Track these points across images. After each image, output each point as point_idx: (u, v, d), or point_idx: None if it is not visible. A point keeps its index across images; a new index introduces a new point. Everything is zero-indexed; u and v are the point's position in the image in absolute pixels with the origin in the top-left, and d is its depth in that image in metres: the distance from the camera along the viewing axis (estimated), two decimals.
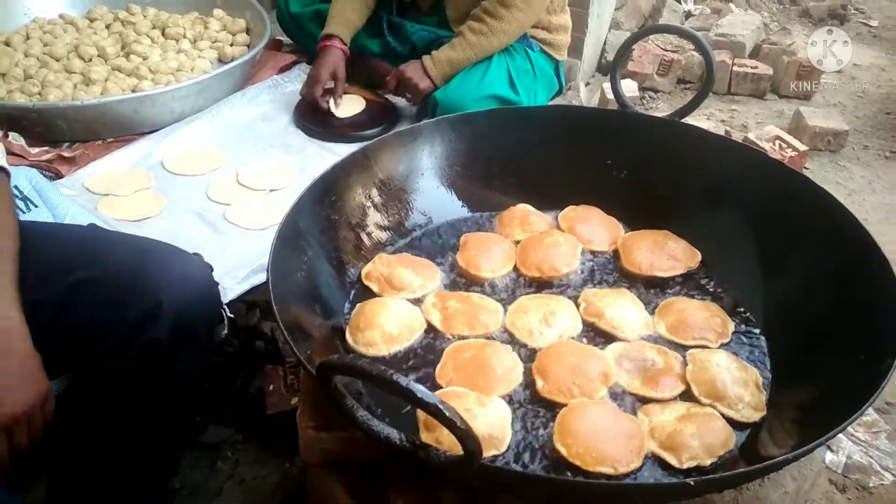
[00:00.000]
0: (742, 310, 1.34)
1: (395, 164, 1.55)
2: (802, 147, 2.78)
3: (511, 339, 1.27)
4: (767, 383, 1.20)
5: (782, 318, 1.29)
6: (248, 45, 2.56)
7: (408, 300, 1.34)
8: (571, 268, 1.42)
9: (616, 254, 1.46)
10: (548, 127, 1.62)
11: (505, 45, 2.16)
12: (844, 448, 1.72)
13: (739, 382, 1.15)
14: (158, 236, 1.61)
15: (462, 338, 1.27)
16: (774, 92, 3.51)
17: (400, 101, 2.36)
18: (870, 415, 1.80)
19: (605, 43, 3.50)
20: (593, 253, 1.47)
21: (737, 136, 2.91)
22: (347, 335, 1.26)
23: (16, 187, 1.76)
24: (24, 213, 1.72)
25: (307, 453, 1.17)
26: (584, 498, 1.01)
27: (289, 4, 2.51)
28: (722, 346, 1.25)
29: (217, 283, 1.40)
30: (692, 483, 0.89)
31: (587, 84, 3.35)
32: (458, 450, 0.82)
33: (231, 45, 2.56)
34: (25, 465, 1.23)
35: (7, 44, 2.37)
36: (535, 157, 1.61)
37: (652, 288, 1.39)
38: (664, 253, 1.42)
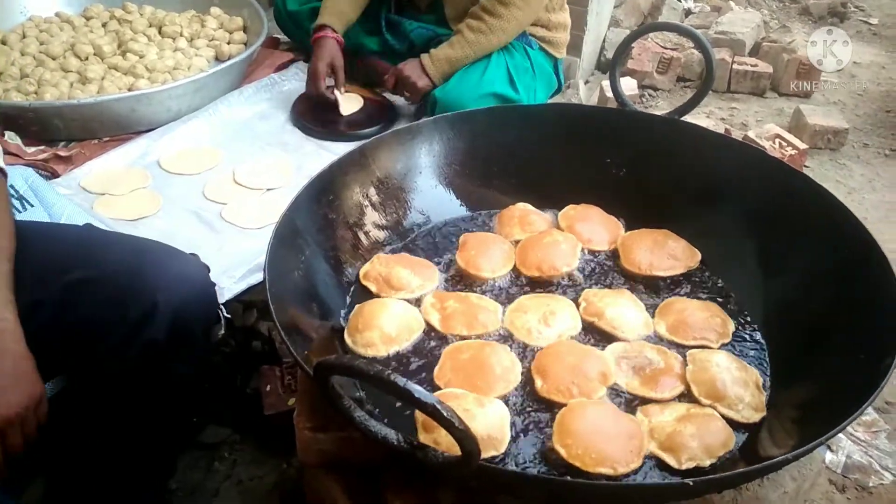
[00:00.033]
0: (742, 309, 1.34)
1: (393, 163, 1.54)
2: (802, 145, 2.77)
3: (510, 339, 1.27)
4: (767, 383, 1.19)
5: (782, 317, 1.28)
6: (246, 44, 2.55)
7: (406, 300, 1.33)
8: (571, 267, 1.41)
9: (616, 253, 1.46)
10: (547, 125, 1.61)
11: (504, 43, 2.15)
12: (844, 448, 1.72)
13: (739, 383, 1.14)
14: (155, 235, 1.61)
15: (461, 338, 1.26)
16: (774, 90, 3.50)
17: (398, 100, 2.35)
18: (869, 414, 1.80)
19: (604, 41, 3.50)
20: (593, 252, 1.47)
21: (736, 135, 2.90)
22: (346, 336, 1.26)
23: (12, 187, 1.75)
24: (20, 212, 1.71)
25: (304, 454, 1.17)
26: (584, 498, 1.01)
27: (286, 2, 2.50)
28: (722, 346, 1.25)
29: (214, 284, 1.39)
30: (691, 483, 0.89)
31: (586, 82, 3.34)
32: (456, 450, 0.81)
33: (228, 43, 2.55)
34: (20, 466, 1.22)
35: (3, 42, 2.37)
36: (534, 155, 1.60)
37: (651, 287, 1.39)
38: (664, 252, 1.42)
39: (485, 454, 1.02)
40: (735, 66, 3.45)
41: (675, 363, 1.19)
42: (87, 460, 1.40)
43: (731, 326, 1.29)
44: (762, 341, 1.28)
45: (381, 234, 1.49)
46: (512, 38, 2.16)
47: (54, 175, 1.98)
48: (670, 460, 1.04)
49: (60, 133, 2.08)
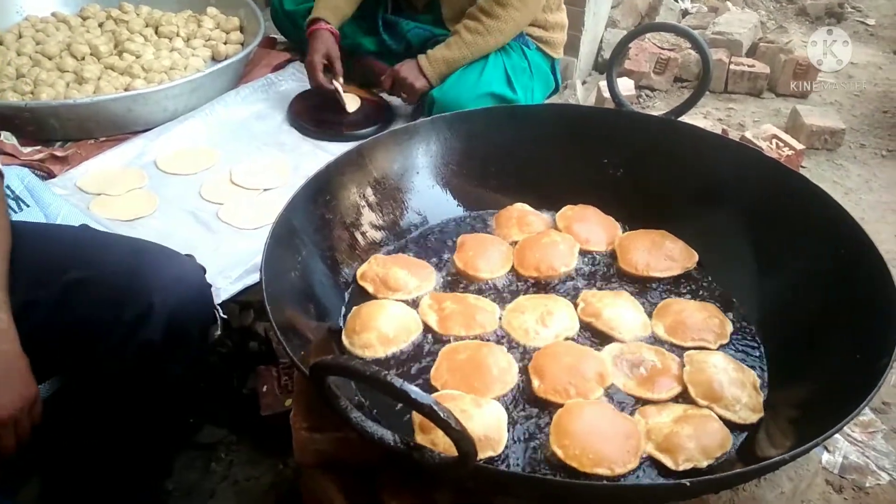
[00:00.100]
0: (739, 310, 1.34)
1: (390, 163, 1.54)
2: (799, 146, 2.78)
3: (507, 339, 1.27)
4: (764, 384, 1.19)
5: (779, 317, 1.28)
6: (242, 44, 2.55)
7: (404, 301, 1.33)
8: (569, 268, 1.41)
9: (613, 254, 1.46)
10: (544, 125, 1.61)
11: (501, 44, 2.15)
12: (841, 448, 1.72)
13: (737, 384, 1.14)
14: (151, 236, 1.61)
15: (459, 338, 1.26)
16: (771, 90, 3.51)
17: (395, 100, 2.35)
18: (866, 415, 1.80)
19: (601, 41, 3.50)
20: (590, 253, 1.47)
21: (733, 135, 2.90)
22: (343, 337, 1.26)
23: (8, 187, 1.75)
24: (16, 213, 1.71)
25: (301, 454, 1.16)
26: (581, 499, 1.00)
27: (283, 2, 2.49)
28: (721, 347, 1.25)
29: (210, 285, 1.39)
30: (688, 484, 0.89)
31: (584, 82, 3.35)
32: (453, 451, 0.81)
33: (225, 43, 2.54)
34: (14, 466, 1.22)
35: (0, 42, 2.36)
36: (531, 155, 1.60)
37: (649, 288, 1.39)
38: (661, 253, 1.42)
39: (482, 455, 1.01)
40: (732, 67, 3.45)
41: (673, 364, 1.19)
42: (83, 460, 1.40)
43: (729, 327, 1.29)
44: (759, 342, 1.27)
45: (378, 235, 1.49)
46: (509, 40, 2.16)
47: (50, 175, 1.97)
48: (667, 461, 1.04)
49: (57, 133, 2.07)
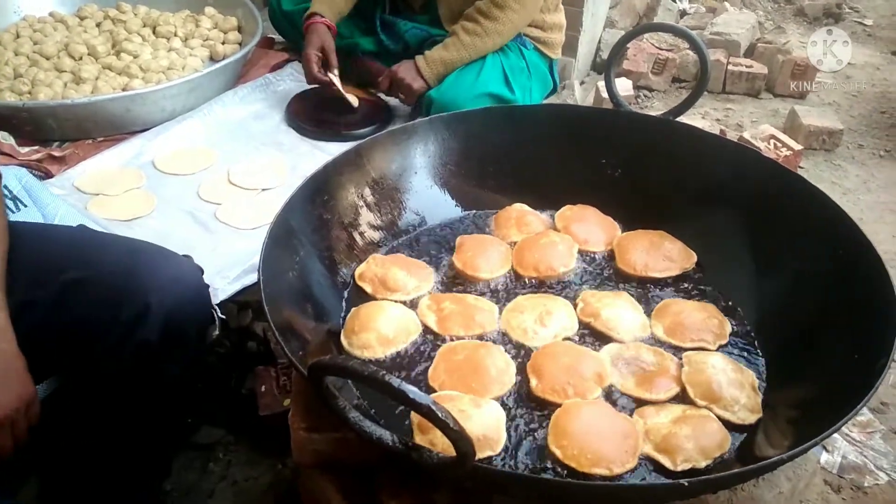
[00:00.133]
0: (737, 310, 1.34)
1: (388, 163, 1.54)
2: (797, 146, 2.78)
3: (506, 339, 1.26)
4: (763, 384, 1.19)
5: (777, 318, 1.28)
6: (240, 44, 2.55)
7: (402, 302, 1.33)
8: (568, 268, 1.41)
9: (612, 254, 1.46)
10: (541, 126, 1.61)
11: (499, 45, 2.15)
12: (839, 448, 1.72)
13: (735, 384, 1.14)
14: (149, 236, 1.60)
15: (458, 339, 1.26)
16: (769, 91, 3.51)
17: (393, 100, 2.35)
18: (864, 415, 1.80)
19: (599, 41, 3.50)
20: (589, 253, 1.47)
21: (732, 136, 2.90)
22: (342, 338, 1.26)
23: (5, 187, 1.74)
24: (13, 212, 1.70)
25: (299, 454, 1.16)
26: (580, 499, 1.00)
27: (281, 2, 2.49)
28: (720, 347, 1.25)
29: (207, 286, 1.39)
30: (686, 484, 0.89)
31: (582, 83, 3.35)
32: (451, 451, 0.81)
33: (223, 43, 2.54)
34: (12, 467, 1.22)
35: None
36: (530, 155, 1.60)
37: (648, 288, 1.39)
38: (660, 254, 1.42)
39: (481, 454, 1.01)
40: (730, 67, 3.46)
41: (671, 365, 1.19)
42: (81, 461, 1.40)
43: (728, 328, 1.29)
44: (758, 342, 1.27)
45: (376, 235, 1.49)
46: (507, 41, 2.16)
47: (48, 175, 1.97)
48: (666, 462, 1.04)
49: (54, 133, 2.07)
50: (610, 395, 1.16)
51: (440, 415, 0.77)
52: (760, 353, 1.25)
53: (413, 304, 1.34)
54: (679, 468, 1.03)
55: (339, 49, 2.30)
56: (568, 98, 3.08)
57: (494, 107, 1.97)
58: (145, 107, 2.11)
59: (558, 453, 1.03)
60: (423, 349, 1.25)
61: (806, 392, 1.13)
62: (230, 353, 1.78)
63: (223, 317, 1.55)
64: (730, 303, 1.36)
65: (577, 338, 1.27)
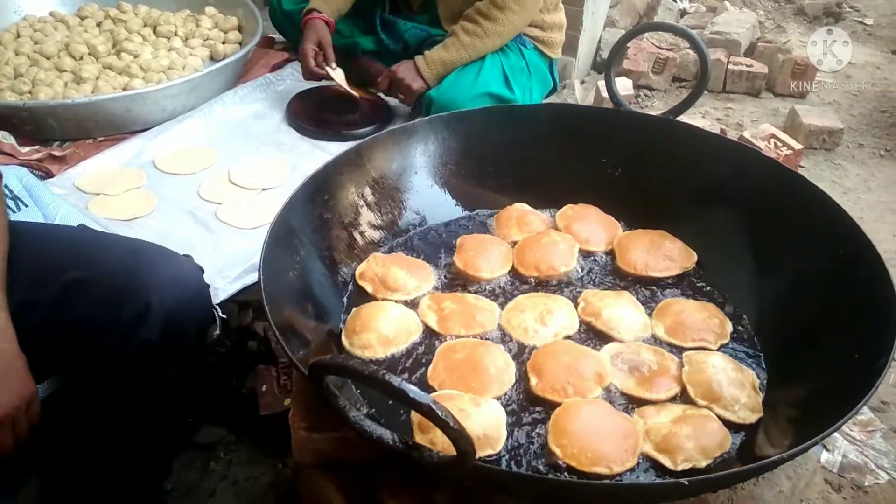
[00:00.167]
0: (738, 310, 1.34)
1: (389, 163, 1.54)
2: (797, 145, 2.78)
3: (506, 338, 1.27)
4: (763, 383, 1.19)
5: (778, 317, 1.28)
6: (241, 43, 2.55)
7: (403, 302, 1.33)
8: (569, 267, 1.41)
9: (613, 253, 1.46)
10: (541, 125, 1.61)
11: (499, 46, 2.15)
12: (840, 447, 1.72)
13: (736, 384, 1.14)
14: (149, 235, 1.61)
15: (460, 338, 1.26)
16: (769, 90, 3.51)
17: (393, 100, 2.35)
18: (865, 414, 1.80)
19: (599, 41, 3.50)
20: (590, 252, 1.47)
21: (732, 135, 2.90)
22: (343, 338, 1.26)
23: (6, 187, 1.74)
24: (14, 212, 1.71)
25: (300, 454, 1.17)
26: (580, 498, 1.00)
27: (281, 2, 2.49)
28: (721, 347, 1.25)
29: (208, 285, 1.39)
30: (686, 483, 0.89)
31: (582, 82, 3.35)
32: (451, 451, 0.81)
33: (223, 42, 2.54)
34: (13, 466, 1.22)
35: None
36: (530, 155, 1.60)
37: (648, 288, 1.39)
38: (660, 253, 1.42)
39: (481, 453, 1.01)
40: (730, 67, 3.46)
41: (672, 364, 1.19)
42: (82, 460, 1.40)
43: (729, 327, 1.29)
44: (758, 342, 1.27)
45: (376, 235, 1.49)
46: (507, 41, 2.16)
47: (49, 175, 1.97)
48: (666, 462, 1.04)
49: (55, 133, 2.07)
50: (610, 395, 1.16)
51: (440, 414, 0.77)
52: (761, 353, 1.25)
53: (413, 304, 1.34)
54: (679, 468, 1.03)
55: (339, 48, 2.31)
56: (568, 97, 3.08)
57: (494, 106, 1.97)
58: (146, 106, 2.11)
59: (558, 452, 1.03)
60: (424, 349, 1.25)
61: (806, 391, 1.13)
62: (231, 353, 1.78)
63: (224, 316, 1.55)
64: (730, 302, 1.36)
65: (577, 337, 1.27)
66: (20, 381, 1.12)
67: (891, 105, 3.44)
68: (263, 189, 2.00)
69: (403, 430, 1.04)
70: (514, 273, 1.42)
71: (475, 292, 1.37)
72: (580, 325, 1.29)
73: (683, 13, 4.04)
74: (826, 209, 1.29)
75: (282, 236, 1.24)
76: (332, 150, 2.00)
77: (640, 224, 1.50)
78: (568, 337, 1.26)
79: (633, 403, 1.15)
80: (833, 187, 2.83)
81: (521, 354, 1.23)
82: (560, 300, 1.33)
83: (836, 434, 1.67)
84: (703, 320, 1.27)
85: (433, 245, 1.50)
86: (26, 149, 2.01)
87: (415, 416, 1.07)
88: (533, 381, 1.15)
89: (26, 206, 1.75)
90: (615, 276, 1.42)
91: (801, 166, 2.87)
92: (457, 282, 1.40)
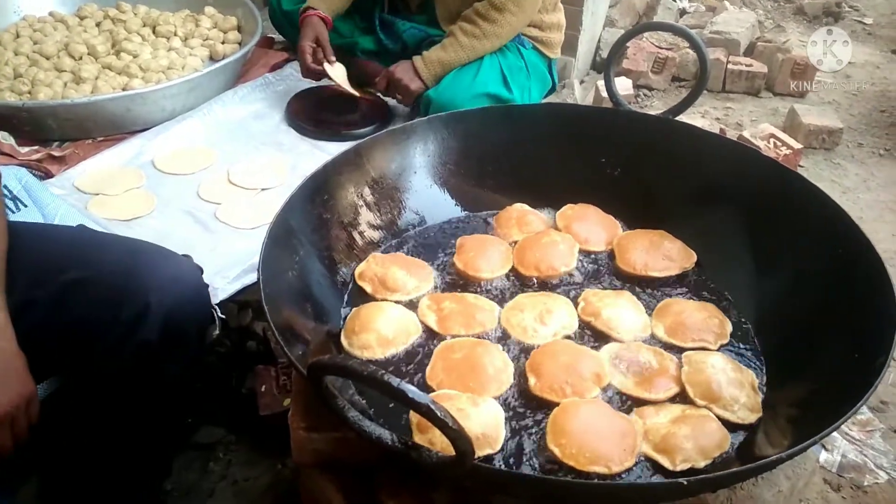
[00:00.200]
0: (737, 310, 1.34)
1: (388, 163, 1.54)
2: (797, 145, 2.78)
3: (506, 337, 1.27)
4: (763, 384, 1.19)
5: (777, 317, 1.28)
6: (240, 43, 2.55)
7: (403, 302, 1.33)
8: (569, 267, 1.41)
9: (612, 253, 1.46)
10: (540, 125, 1.61)
11: (497, 47, 2.14)
12: (839, 447, 1.72)
13: (735, 384, 1.14)
14: (149, 236, 1.61)
15: (458, 338, 1.26)
16: (769, 90, 3.51)
17: (392, 100, 2.35)
18: (864, 413, 1.80)
19: (599, 40, 3.50)
20: (590, 252, 1.47)
21: (731, 134, 2.90)
22: (342, 338, 1.26)
23: (5, 187, 1.74)
24: (13, 212, 1.70)
25: (299, 454, 1.17)
26: (579, 498, 1.00)
27: (281, 2, 2.49)
28: (721, 347, 1.25)
29: (207, 285, 1.39)
30: (685, 482, 0.89)
31: (582, 82, 3.35)
32: (450, 451, 0.81)
33: (222, 42, 2.54)
34: (13, 466, 1.22)
35: None
36: (529, 155, 1.60)
37: (648, 288, 1.39)
38: (659, 253, 1.42)
39: (480, 453, 1.02)
40: (730, 66, 3.46)
41: (671, 365, 1.19)
42: (81, 460, 1.40)
43: (729, 327, 1.29)
44: (757, 341, 1.28)
45: (375, 235, 1.49)
46: (505, 43, 2.16)
47: (48, 175, 1.97)
48: (665, 462, 1.04)
49: (54, 133, 2.07)
50: (609, 395, 1.16)
51: (439, 414, 0.77)
52: (760, 352, 1.26)
53: (413, 304, 1.34)
54: (678, 468, 1.03)
55: (338, 48, 2.30)
56: (568, 97, 3.08)
57: (493, 106, 1.97)
58: (145, 106, 2.11)
59: (557, 452, 1.03)
60: (424, 350, 1.25)
61: (805, 391, 1.14)
62: (230, 353, 1.78)
63: (223, 316, 1.55)
64: (730, 302, 1.36)
65: (577, 337, 1.27)
66: (19, 381, 1.12)
67: (890, 104, 3.44)
68: (263, 189, 2.00)
69: (402, 431, 1.05)
70: (514, 273, 1.42)
71: (475, 292, 1.37)
72: (580, 325, 1.29)
73: (683, 13, 4.04)
74: (825, 209, 1.29)
75: (281, 236, 1.24)
76: (332, 150, 2.00)
77: (640, 224, 1.50)
78: (567, 337, 1.27)
79: (632, 404, 1.15)
80: (832, 187, 2.83)
81: (521, 354, 1.23)
82: (560, 300, 1.33)
83: (835, 434, 1.67)
84: (702, 320, 1.27)
85: (432, 245, 1.50)
86: (25, 149, 2.01)
87: (413, 417, 1.07)
88: (531, 380, 1.15)
89: (25, 206, 1.75)
90: (615, 276, 1.42)
91: (800, 166, 2.87)
92: (457, 282, 1.40)
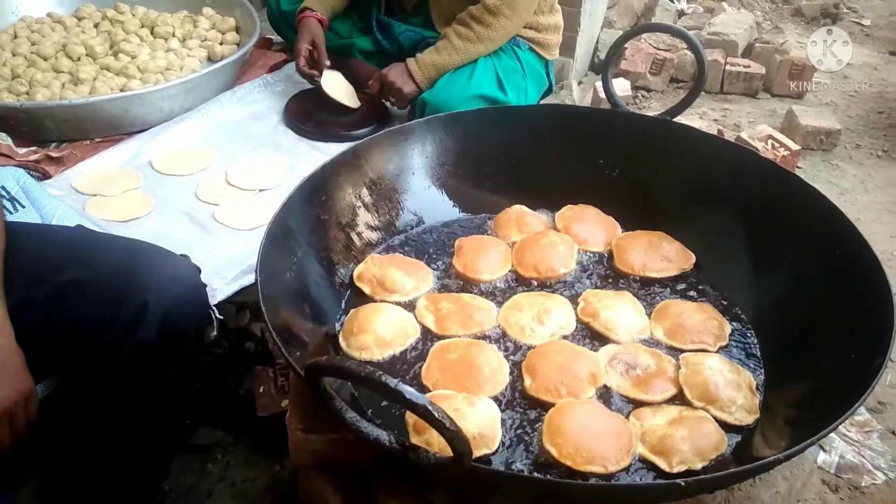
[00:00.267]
0: (735, 311, 1.34)
1: (386, 164, 1.54)
2: (795, 146, 2.78)
3: (503, 337, 1.27)
4: (760, 384, 1.19)
5: (775, 318, 1.29)
6: (238, 44, 2.54)
7: (401, 303, 1.33)
8: (569, 269, 1.41)
9: (612, 254, 1.46)
10: (538, 126, 1.61)
11: (491, 50, 2.13)
12: (837, 448, 1.72)
13: (732, 385, 1.14)
14: (147, 237, 1.60)
15: (455, 338, 1.26)
16: (767, 91, 3.51)
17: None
18: (862, 414, 1.80)
19: (597, 42, 3.50)
20: (589, 253, 1.47)
21: (729, 136, 2.91)
22: (340, 339, 1.26)
23: (3, 188, 1.75)
24: (11, 213, 1.70)
25: (297, 455, 1.17)
26: (578, 499, 1.00)
27: (279, 2, 2.49)
28: (720, 349, 1.25)
29: (205, 285, 1.39)
30: (683, 483, 0.89)
31: (580, 83, 3.35)
32: (448, 451, 0.81)
33: (220, 43, 2.54)
34: (12, 465, 1.22)
35: None
36: (527, 155, 1.60)
37: (647, 289, 1.39)
38: (658, 254, 1.42)
39: (477, 453, 1.02)
40: (728, 67, 3.46)
41: (669, 366, 1.19)
42: (80, 461, 1.40)
43: (728, 329, 1.29)
44: (755, 342, 1.28)
45: (373, 236, 1.49)
46: (499, 46, 2.15)
47: (46, 176, 1.97)
48: (662, 464, 1.04)
49: (52, 134, 2.07)
50: (607, 396, 1.16)
51: (437, 415, 0.77)
52: (759, 353, 1.26)
53: (411, 305, 1.34)
54: (675, 469, 1.03)
55: (336, 49, 2.30)
56: (566, 98, 3.08)
57: (491, 107, 1.97)
58: (143, 107, 2.11)
59: (553, 452, 1.03)
60: (422, 350, 1.25)
61: (803, 392, 1.14)
62: (228, 354, 1.78)
63: (221, 317, 1.55)
64: (728, 303, 1.36)
65: (575, 337, 1.27)
66: (18, 377, 1.12)
67: (888, 106, 3.44)
68: (261, 190, 2.00)
69: (401, 432, 1.05)
70: (513, 274, 1.42)
71: (474, 293, 1.37)
72: (578, 326, 1.29)
73: (681, 14, 4.04)
74: (823, 210, 1.30)
75: (279, 237, 1.24)
76: (330, 150, 2.00)
77: (638, 225, 1.50)
78: (565, 337, 1.27)
79: (630, 405, 1.15)
80: (830, 188, 2.83)
81: (518, 354, 1.23)
82: (558, 299, 1.33)
83: (833, 435, 1.67)
84: (702, 322, 1.27)
85: (431, 246, 1.50)
86: (23, 150, 2.01)
87: (410, 417, 1.07)
88: (527, 381, 1.15)
89: (23, 206, 1.75)
90: (614, 276, 1.42)
91: (798, 167, 2.87)
92: (456, 283, 1.40)
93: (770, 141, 2.78)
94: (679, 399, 1.15)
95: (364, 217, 1.48)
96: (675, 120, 1.56)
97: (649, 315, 1.31)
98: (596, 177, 1.58)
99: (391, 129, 1.57)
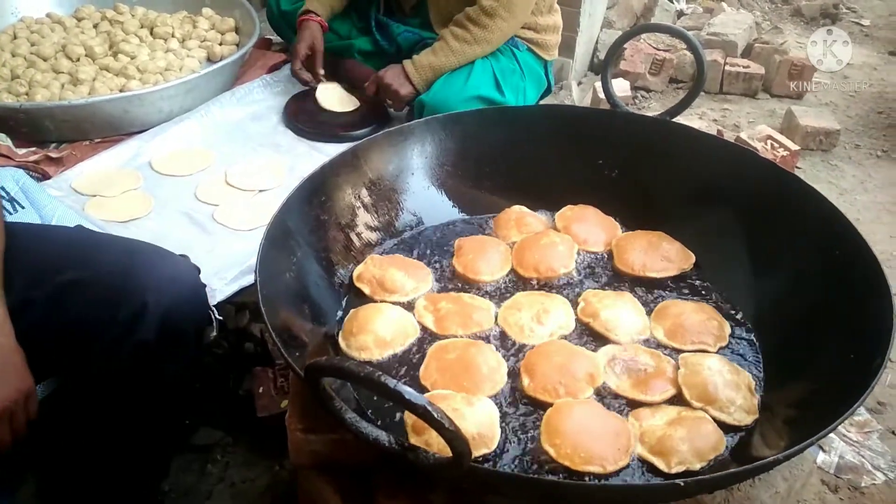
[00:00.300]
0: (735, 311, 1.34)
1: (385, 164, 1.54)
2: (794, 146, 2.78)
3: (503, 337, 1.27)
4: (760, 385, 1.19)
5: (774, 318, 1.29)
6: (238, 45, 2.54)
7: (401, 304, 1.33)
8: (568, 269, 1.41)
9: (612, 254, 1.46)
10: (537, 126, 1.61)
11: (488, 52, 2.12)
12: (836, 448, 1.72)
13: (731, 386, 1.14)
14: (146, 237, 1.60)
15: (454, 338, 1.26)
16: (766, 91, 3.51)
17: None
18: (861, 414, 1.80)
19: (597, 42, 3.50)
20: (589, 253, 1.47)
21: (728, 136, 2.91)
22: (340, 340, 1.26)
23: (2, 188, 1.75)
24: (10, 214, 1.70)
25: (296, 455, 1.17)
26: (577, 499, 1.00)
27: (279, 3, 2.49)
28: (720, 349, 1.25)
29: (204, 285, 1.39)
30: (682, 483, 0.89)
31: (579, 83, 3.35)
32: (447, 452, 0.81)
33: (220, 44, 2.54)
34: (12, 464, 1.22)
35: None
36: (526, 156, 1.60)
37: (646, 289, 1.39)
38: (657, 254, 1.42)
39: (476, 453, 1.02)
40: (727, 68, 3.46)
41: (668, 367, 1.19)
42: (79, 461, 1.40)
43: (728, 329, 1.29)
44: (755, 343, 1.28)
45: (373, 236, 1.49)
46: (496, 48, 2.14)
47: (45, 176, 1.97)
48: (660, 464, 1.04)
49: (51, 134, 2.07)
50: (605, 396, 1.16)
51: (436, 415, 0.77)
52: (758, 354, 1.26)
53: (411, 306, 1.34)
54: (673, 470, 1.03)
55: (334, 49, 2.30)
56: (565, 98, 3.08)
57: (490, 108, 1.96)
58: (143, 108, 2.11)
59: (552, 452, 1.03)
60: (422, 351, 1.25)
61: (803, 392, 1.14)
62: (228, 355, 1.78)
63: (220, 318, 1.55)
64: (728, 303, 1.36)
65: (574, 337, 1.27)
66: (18, 376, 1.12)
67: (887, 106, 3.44)
68: (260, 191, 2.00)
69: (400, 432, 1.05)
70: (513, 274, 1.42)
71: (474, 293, 1.37)
72: (578, 326, 1.29)
73: (680, 14, 4.04)
74: (823, 210, 1.30)
75: (278, 238, 1.24)
76: (329, 151, 2.00)
77: (638, 225, 1.51)
78: (564, 337, 1.27)
79: (629, 405, 1.15)
80: (830, 188, 2.83)
81: (517, 354, 1.23)
82: (557, 299, 1.33)
83: (832, 435, 1.67)
84: (701, 322, 1.27)
85: (430, 246, 1.50)
86: (23, 150, 2.01)
87: (408, 418, 1.07)
88: (525, 381, 1.15)
89: (23, 207, 1.75)
90: (614, 276, 1.42)
91: (797, 167, 2.87)
92: (455, 283, 1.40)
93: (769, 141, 2.78)
94: (678, 399, 1.15)
95: (363, 217, 1.48)
96: (674, 120, 1.56)
97: (649, 315, 1.31)
98: (595, 177, 1.58)
99: (390, 130, 1.57)
